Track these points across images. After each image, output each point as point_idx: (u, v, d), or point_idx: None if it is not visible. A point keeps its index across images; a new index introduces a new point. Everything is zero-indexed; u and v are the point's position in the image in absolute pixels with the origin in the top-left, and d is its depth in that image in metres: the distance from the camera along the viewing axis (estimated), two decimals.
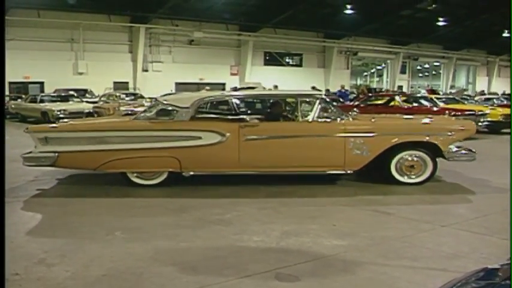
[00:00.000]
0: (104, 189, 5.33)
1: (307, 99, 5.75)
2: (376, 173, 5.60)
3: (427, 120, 5.98)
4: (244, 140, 5.23)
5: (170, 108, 5.54)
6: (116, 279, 2.89)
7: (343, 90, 21.09)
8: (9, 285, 2.71)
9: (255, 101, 7.82)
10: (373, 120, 5.68)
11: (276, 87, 20.63)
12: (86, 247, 3.43)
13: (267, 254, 3.31)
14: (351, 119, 5.54)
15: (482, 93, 24.94)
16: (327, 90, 22.49)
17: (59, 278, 2.88)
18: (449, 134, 5.51)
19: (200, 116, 5.52)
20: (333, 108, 5.60)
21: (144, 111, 5.98)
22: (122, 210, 4.52)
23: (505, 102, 14.91)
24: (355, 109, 5.99)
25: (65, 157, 5.24)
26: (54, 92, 17.81)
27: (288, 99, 6.28)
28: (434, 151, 5.50)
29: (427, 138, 5.45)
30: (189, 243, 3.54)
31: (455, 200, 5.06)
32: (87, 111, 14.39)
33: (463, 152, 5.61)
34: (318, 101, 5.47)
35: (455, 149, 5.55)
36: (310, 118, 5.40)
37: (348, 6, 24.19)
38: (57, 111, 14.00)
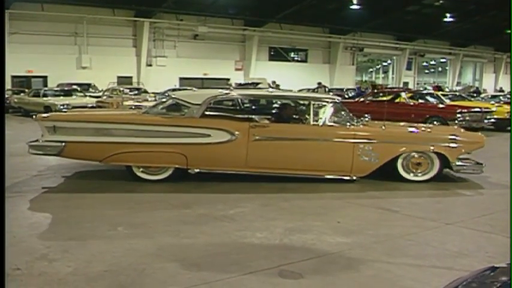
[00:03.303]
0: (107, 185, 5.32)
1: (319, 103, 5.70)
2: (381, 170, 5.56)
3: (437, 131, 5.94)
4: (253, 140, 5.20)
5: (181, 104, 5.51)
6: (118, 275, 2.87)
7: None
8: (10, 280, 2.69)
9: (266, 101, 7.75)
10: (383, 127, 5.63)
11: (274, 82, 20.47)
12: (88, 242, 3.42)
13: (271, 251, 3.28)
14: (361, 125, 5.50)
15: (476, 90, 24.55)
16: (319, 83, 22.40)
17: (60, 274, 2.87)
18: (458, 145, 5.48)
19: (211, 113, 5.47)
20: (343, 114, 5.55)
21: (155, 105, 5.94)
22: (124, 205, 4.50)
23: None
24: (366, 115, 5.90)
25: (71, 147, 5.22)
26: (57, 86, 17.81)
27: (300, 102, 6.23)
28: (442, 157, 5.47)
29: (436, 148, 5.42)
30: (192, 239, 3.52)
31: (460, 198, 5.02)
32: (90, 105, 14.39)
33: (470, 164, 5.59)
34: (329, 105, 5.43)
35: (462, 163, 5.53)
36: (320, 122, 5.37)
37: (354, 2, 24.00)
38: (60, 105, 14.01)
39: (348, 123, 5.40)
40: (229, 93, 5.91)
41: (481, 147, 5.74)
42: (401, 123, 6.65)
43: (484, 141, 5.80)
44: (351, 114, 5.62)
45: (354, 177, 5.38)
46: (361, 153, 5.26)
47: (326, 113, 5.39)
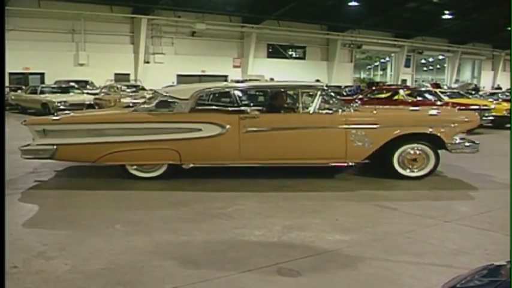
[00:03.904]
0: (104, 182, 5.30)
1: (309, 91, 5.68)
2: (377, 166, 5.54)
3: (429, 112, 5.86)
4: (245, 132, 5.18)
5: (170, 99, 5.48)
6: (115, 272, 2.85)
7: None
8: (7, 278, 2.67)
9: (255, 92, 7.73)
10: (374, 111, 5.61)
11: (272, 79, 20.50)
12: (86, 240, 3.40)
13: (269, 249, 3.27)
14: (352, 111, 5.46)
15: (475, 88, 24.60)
16: (317, 81, 22.27)
17: (58, 271, 2.85)
18: (452, 125, 5.43)
19: (200, 107, 5.46)
20: (334, 100, 5.52)
21: (144, 103, 5.92)
22: (122, 203, 4.49)
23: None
24: (357, 100, 5.88)
25: (63, 150, 5.20)
26: (54, 84, 17.73)
27: (289, 91, 6.20)
28: (437, 143, 5.42)
29: (430, 130, 5.37)
30: (189, 237, 3.51)
31: (459, 195, 5.01)
32: (88, 102, 14.34)
33: (466, 144, 5.53)
34: (319, 93, 5.39)
35: (458, 141, 5.47)
36: (311, 110, 5.34)
37: None
38: (58, 102, 13.95)
39: (339, 110, 5.36)
40: (216, 86, 5.87)
41: (474, 126, 5.74)
42: (393, 107, 6.63)
43: (478, 120, 5.79)
44: (341, 100, 5.59)
45: (351, 164, 5.34)
46: (354, 139, 5.22)
47: (316, 101, 5.34)
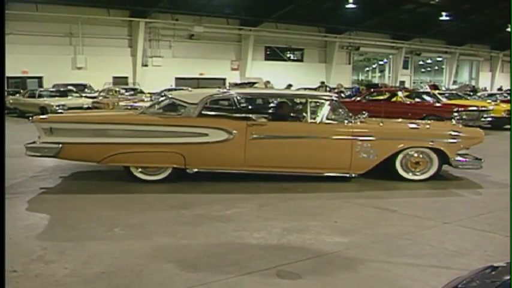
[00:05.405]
0: (103, 186, 5.29)
1: (317, 101, 5.70)
2: (380, 169, 5.55)
3: (435, 127, 5.91)
4: (251, 139, 5.18)
5: (178, 103, 5.50)
6: (115, 276, 2.85)
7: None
8: (6, 281, 2.66)
9: (263, 100, 7.74)
10: (381, 124, 5.63)
11: (268, 82, 20.53)
12: (85, 244, 3.39)
13: (268, 251, 3.27)
14: (358, 122, 5.50)
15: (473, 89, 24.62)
16: (322, 83, 22.34)
17: (57, 275, 2.84)
18: (457, 141, 5.48)
19: (208, 113, 5.46)
20: (341, 111, 5.54)
21: (152, 105, 5.93)
22: (121, 206, 4.48)
23: (509, 97, 14.81)
24: (364, 112, 5.91)
25: (69, 148, 5.19)
26: (52, 87, 17.72)
27: (297, 100, 6.22)
28: (441, 155, 5.47)
29: (434, 144, 5.42)
30: (189, 240, 3.50)
31: (458, 197, 5.02)
32: (86, 106, 14.34)
33: (470, 160, 5.57)
34: (327, 103, 5.43)
35: (461, 158, 5.52)
36: (318, 120, 5.36)
37: (350, 1, 24.04)
38: (56, 106, 13.94)
39: (346, 121, 5.40)
40: (225, 92, 5.88)
41: (479, 143, 5.74)
42: (400, 120, 6.65)
43: (483, 137, 5.80)
44: (348, 112, 5.63)
45: (353, 175, 5.36)
46: (359, 150, 5.25)
47: (323, 111, 5.38)
